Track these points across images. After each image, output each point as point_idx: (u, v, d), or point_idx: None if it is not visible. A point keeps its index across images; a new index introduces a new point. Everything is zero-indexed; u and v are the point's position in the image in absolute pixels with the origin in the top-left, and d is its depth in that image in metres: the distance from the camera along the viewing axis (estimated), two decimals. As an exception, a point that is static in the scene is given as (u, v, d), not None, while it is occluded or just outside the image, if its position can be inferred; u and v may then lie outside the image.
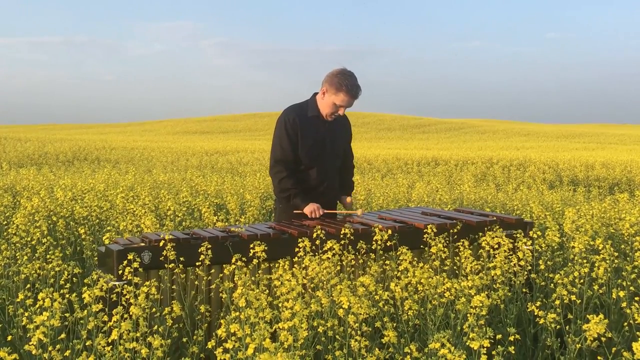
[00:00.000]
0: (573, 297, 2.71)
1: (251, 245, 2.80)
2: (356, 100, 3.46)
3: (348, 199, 3.77)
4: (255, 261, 2.80)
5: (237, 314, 2.24)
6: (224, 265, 2.87)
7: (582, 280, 2.92)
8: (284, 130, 3.46)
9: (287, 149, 3.46)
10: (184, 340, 2.62)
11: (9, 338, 2.58)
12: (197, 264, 2.77)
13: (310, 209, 3.44)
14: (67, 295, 2.54)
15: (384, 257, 3.10)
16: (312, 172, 3.54)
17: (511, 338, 2.24)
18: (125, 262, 2.61)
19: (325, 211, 3.50)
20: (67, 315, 2.40)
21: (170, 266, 2.74)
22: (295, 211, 3.48)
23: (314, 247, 2.92)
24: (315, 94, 3.53)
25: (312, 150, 3.50)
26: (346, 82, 3.34)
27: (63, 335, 2.25)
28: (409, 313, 2.58)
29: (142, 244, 2.80)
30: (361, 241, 3.03)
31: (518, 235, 3.30)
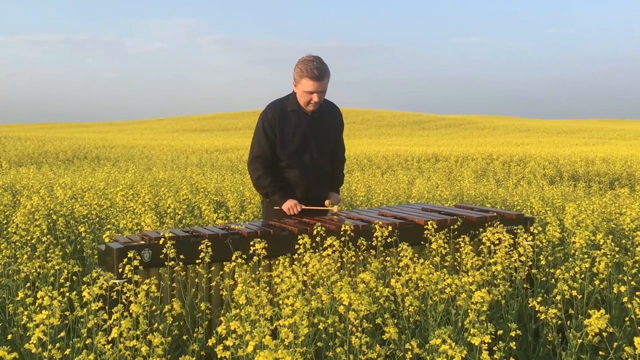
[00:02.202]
0: (574, 293, 2.70)
1: (251, 243, 2.79)
2: (328, 81, 3.37)
3: (332, 199, 3.60)
4: (255, 258, 2.79)
5: (238, 311, 2.23)
6: (224, 263, 2.86)
7: (583, 276, 2.92)
8: (261, 127, 3.44)
9: (265, 146, 3.43)
10: (185, 338, 2.62)
11: (9, 337, 2.58)
12: (197, 261, 2.76)
13: (288, 205, 3.42)
14: (67, 294, 2.53)
15: (384, 254, 3.10)
16: (293, 168, 3.48)
17: (512, 334, 2.23)
18: (126, 260, 2.60)
19: (303, 207, 3.44)
20: (67, 313, 2.40)
21: (171, 264, 2.73)
22: (275, 207, 3.46)
23: (314, 244, 2.91)
24: None
25: (291, 146, 3.44)
26: (305, 67, 3.31)
27: (63, 334, 2.25)
28: (409, 309, 2.58)
29: (142, 242, 2.80)
30: (361, 238, 3.02)
31: (519, 230, 3.29)
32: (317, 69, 3.30)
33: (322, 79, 3.32)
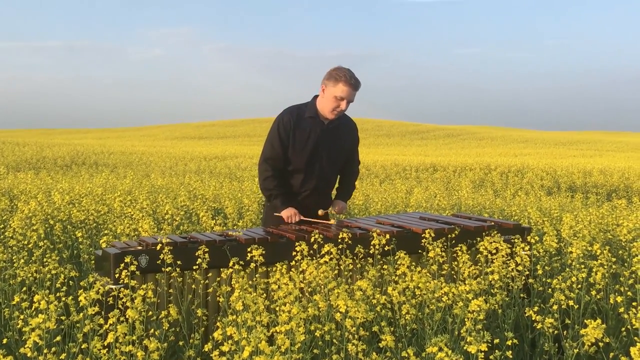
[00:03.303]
0: (571, 303, 2.70)
1: (248, 249, 2.79)
2: (356, 95, 3.44)
3: (337, 206, 3.66)
4: (252, 265, 2.79)
5: (234, 317, 2.23)
6: (221, 269, 2.86)
7: (579, 286, 2.92)
8: (276, 129, 3.47)
9: (277, 149, 3.46)
10: (181, 343, 2.61)
11: (5, 341, 2.57)
12: (195, 267, 2.76)
13: (287, 213, 3.43)
14: (63, 299, 2.53)
15: (381, 262, 3.10)
16: (298, 174, 3.51)
17: (509, 342, 2.23)
18: (122, 265, 2.60)
19: (302, 218, 3.44)
20: (63, 318, 2.39)
21: (168, 270, 2.73)
22: (275, 214, 3.47)
23: (311, 251, 2.91)
24: (316, 96, 3.53)
25: (302, 153, 3.47)
26: (344, 73, 3.37)
27: (58, 338, 2.24)
28: (406, 317, 2.58)
29: (140, 248, 2.79)
30: (359, 245, 3.02)
31: (516, 240, 3.30)
32: (354, 78, 3.39)
33: (357, 88, 3.42)
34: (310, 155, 3.49)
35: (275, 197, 3.47)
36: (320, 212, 3.55)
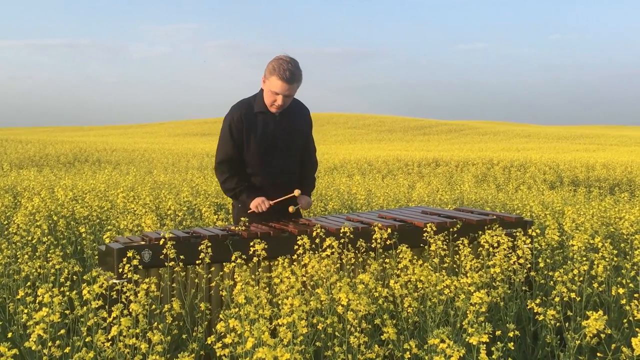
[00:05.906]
0: (572, 295, 2.71)
1: (251, 244, 2.80)
2: (298, 87, 3.22)
3: (302, 202, 3.43)
4: (255, 259, 2.80)
5: (237, 310, 2.24)
6: (224, 264, 2.87)
7: (581, 278, 2.93)
8: (227, 130, 3.31)
9: (230, 150, 3.31)
10: (184, 337, 2.63)
11: (10, 335, 2.59)
12: (197, 262, 2.78)
13: (255, 203, 3.29)
14: (67, 293, 2.54)
15: (383, 256, 3.11)
16: (260, 173, 3.36)
17: (510, 334, 2.24)
18: (126, 260, 2.61)
19: (271, 203, 3.29)
20: (67, 312, 2.41)
21: (171, 264, 2.74)
22: (248, 212, 3.32)
23: (313, 245, 2.92)
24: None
25: (260, 149, 3.31)
26: (278, 66, 3.13)
27: (63, 332, 2.26)
28: (408, 310, 2.59)
29: (143, 243, 2.81)
30: (361, 239, 3.03)
31: (518, 233, 3.30)
32: (289, 71, 3.13)
33: (292, 82, 3.16)
34: (267, 151, 3.33)
35: (240, 192, 3.34)
36: (296, 191, 3.34)
